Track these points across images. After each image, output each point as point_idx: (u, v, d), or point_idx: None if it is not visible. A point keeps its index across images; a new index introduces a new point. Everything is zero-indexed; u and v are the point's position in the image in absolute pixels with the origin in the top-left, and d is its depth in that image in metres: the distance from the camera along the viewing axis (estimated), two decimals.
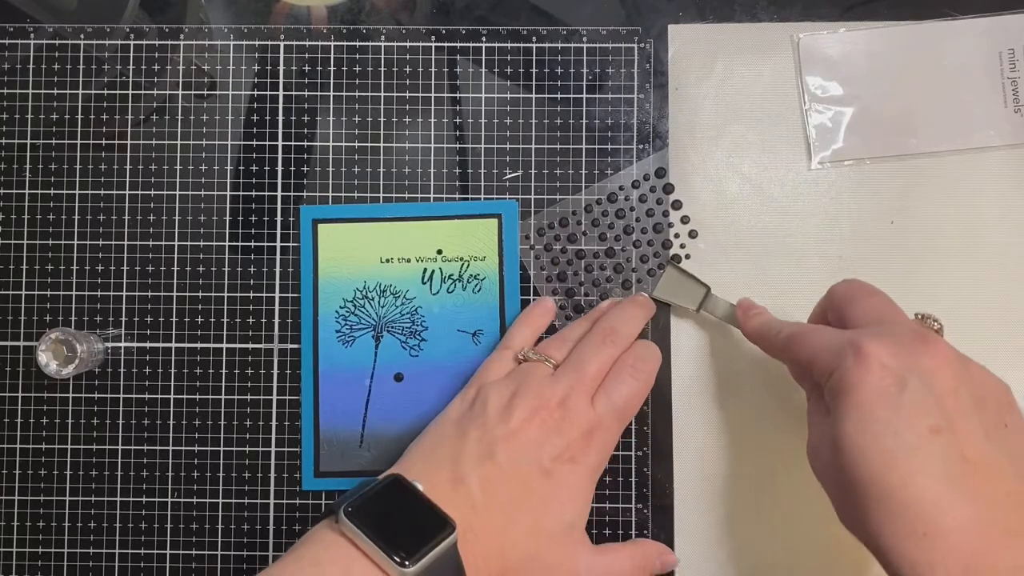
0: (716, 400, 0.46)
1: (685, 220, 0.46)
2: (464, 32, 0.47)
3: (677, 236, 0.46)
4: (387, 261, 0.46)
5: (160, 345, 0.46)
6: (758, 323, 0.41)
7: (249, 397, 0.46)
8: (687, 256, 0.46)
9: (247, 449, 0.46)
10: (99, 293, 0.46)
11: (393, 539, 0.33)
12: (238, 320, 0.46)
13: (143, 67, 0.47)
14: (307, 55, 0.47)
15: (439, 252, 0.46)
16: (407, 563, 0.33)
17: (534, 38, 0.47)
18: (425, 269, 0.46)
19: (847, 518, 0.34)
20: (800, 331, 0.38)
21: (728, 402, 0.46)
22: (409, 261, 0.46)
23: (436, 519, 0.35)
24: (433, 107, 0.47)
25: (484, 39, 0.47)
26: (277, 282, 0.46)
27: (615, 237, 0.46)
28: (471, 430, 0.38)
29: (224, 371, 0.46)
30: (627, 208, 0.46)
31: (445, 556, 0.34)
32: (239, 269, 0.46)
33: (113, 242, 0.46)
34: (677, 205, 0.46)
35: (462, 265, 0.46)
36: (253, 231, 0.46)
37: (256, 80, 0.47)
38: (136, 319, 0.46)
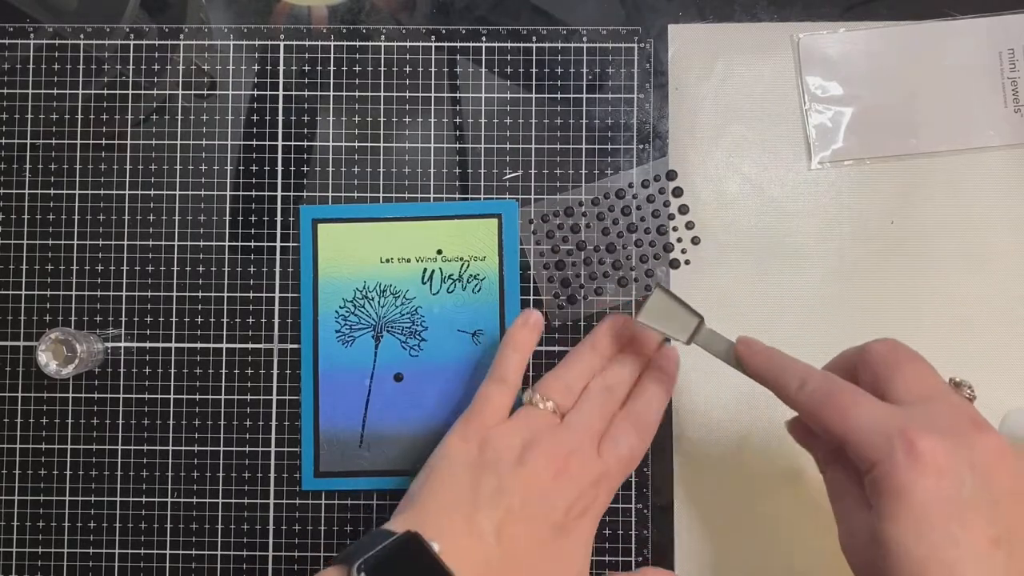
0: (716, 400, 0.46)
1: (690, 226, 0.46)
2: (464, 32, 0.47)
3: (680, 241, 0.46)
4: (387, 261, 0.46)
5: (160, 345, 0.46)
6: (769, 366, 0.37)
7: (249, 397, 0.46)
8: (687, 262, 0.46)
9: (247, 449, 0.46)
10: (99, 293, 0.46)
11: None
12: (238, 320, 0.46)
13: (143, 67, 0.47)
14: (307, 55, 0.47)
15: (439, 252, 0.46)
16: None
17: (534, 38, 0.47)
18: (425, 269, 0.46)
19: None
20: (833, 394, 0.33)
21: (728, 402, 0.45)
22: (409, 261, 0.46)
23: None
24: (433, 107, 0.47)
25: (484, 39, 0.47)
26: (277, 282, 0.46)
27: (617, 233, 0.46)
28: (485, 477, 0.38)
29: (224, 371, 0.46)
30: (633, 206, 0.46)
31: None
32: (239, 269, 0.46)
33: (113, 242, 0.46)
34: (684, 209, 0.46)
35: (462, 265, 0.46)
36: (253, 231, 0.46)
37: (256, 80, 0.47)
38: (136, 319, 0.46)
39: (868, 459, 0.31)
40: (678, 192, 0.46)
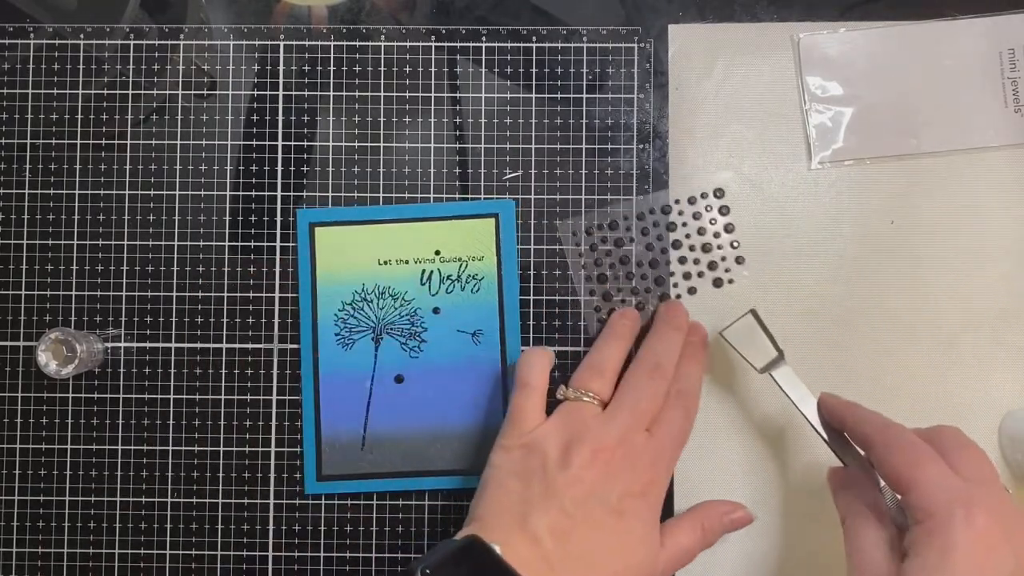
0: (716, 401, 0.46)
1: (735, 245, 0.46)
2: (464, 32, 0.47)
3: (724, 259, 0.46)
4: (385, 263, 0.46)
5: (160, 345, 0.46)
6: (852, 413, 0.39)
7: (249, 397, 0.46)
8: (730, 281, 0.46)
9: (247, 449, 0.46)
10: (99, 293, 0.46)
11: None
12: (238, 320, 0.46)
13: (143, 67, 0.47)
14: (307, 55, 0.47)
15: (437, 253, 0.46)
16: None
17: (534, 38, 0.47)
18: (423, 270, 0.46)
19: None
20: (914, 446, 0.36)
21: (728, 402, 0.45)
22: (407, 262, 0.46)
23: None
24: (433, 107, 0.47)
25: (484, 39, 0.47)
26: (277, 282, 0.46)
27: (661, 249, 0.46)
28: (534, 483, 0.38)
29: (224, 371, 0.46)
30: (679, 223, 0.46)
31: None
32: (239, 269, 0.46)
33: (113, 242, 0.46)
34: (730, 228, 0.46)
35: (460, 265, 0.46)
36: (253, 231, 0.46)
37: (256, 80, 0.47)
38: (136, 319, 0.46)
39: (928, 510, 0.34)
40: (725, 211, 0.46)
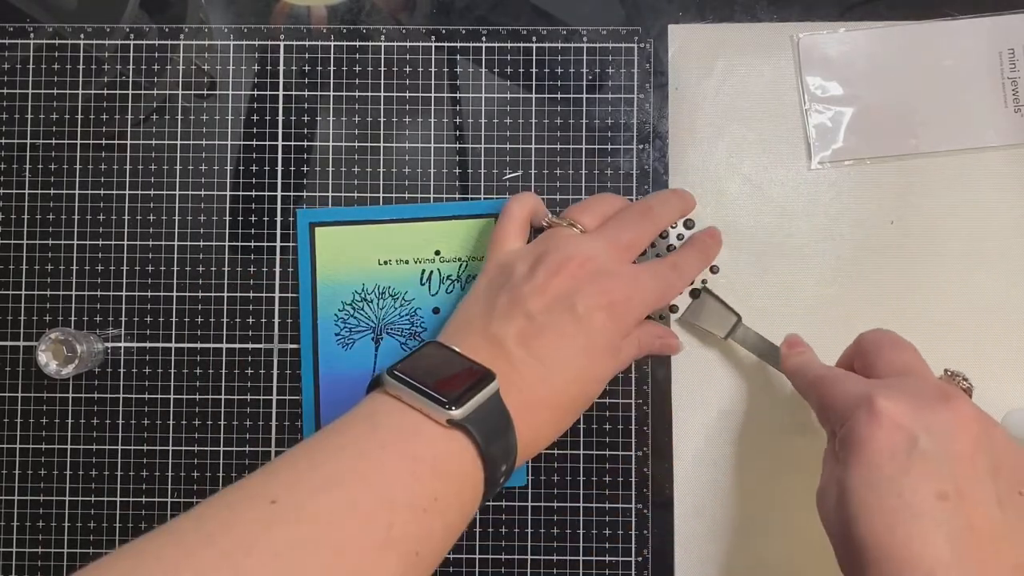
0: (716, 400, 0.46)
1: (688, 225, 0.46)
2: (464, 32, 0.47)
3: (680, 237, 0.46)
4: (385, 263, 0.46)
5: (160, 345, 0.46)
6: (798, 361, 0.40)
7: (249, 397, 0.46)
8: (714, 269, 0.46)
9: (247, 449, 0.46)
10: (99, 293, 0.46)
11: (437, 390, 0.34)
12: (238, 320, 0.46)
13: (143, 67, 0.47)
14: (307, 55, 0.47)
15: (437, 253, 0.46)
16: (452, 407, 0.33)
17: (534, 38, 0.47)
18: (423, 270, 0.46)
19: (846, 569, 0.33)
20: (826, 375, 0.37)
21: (728, 402, 0.45)
22: (407, 262, 0.46)
23: (476, 371, 0.35)
24: (433, 107, 0.47)
25: (484, 39, 0.47)
26: (277, 282, 0.46)
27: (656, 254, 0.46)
28: (500, 295, 0.39)
29: (224, 371, 0.46)
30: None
31: (491, 404, 0.35)
32: (239, 269, 0.46)
33: (113, 242, 0.46)
34: (689, 224, 0.46)
35: (460, 265, 0.46)
36: (253, 231, 0.46)
37: (256, 80, 0.47)
38: (136, 319, 0.46)
39: (839, 419, 0.35)
40: (689, 224, 0.46)
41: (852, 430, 0.33)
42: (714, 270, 0.46)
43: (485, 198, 0.46)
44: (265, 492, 0.30)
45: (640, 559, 0.45)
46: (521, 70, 0.47)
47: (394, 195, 0.46)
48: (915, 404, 0.33)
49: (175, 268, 0.46)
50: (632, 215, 0.42)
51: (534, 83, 0.47)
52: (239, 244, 0.46)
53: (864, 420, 0.33)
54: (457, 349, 0.37)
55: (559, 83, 0.47)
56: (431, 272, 0.46)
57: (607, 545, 0.45)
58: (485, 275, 0.41)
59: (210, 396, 0.46)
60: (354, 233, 0.46)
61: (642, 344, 0.42)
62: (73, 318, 0.46)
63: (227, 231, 0.46)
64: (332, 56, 0.47)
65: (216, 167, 0.47)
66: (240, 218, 0.46)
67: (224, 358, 0.46)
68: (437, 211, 0.46)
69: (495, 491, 0.35)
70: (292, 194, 0.46)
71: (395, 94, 0.47)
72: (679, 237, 0.46)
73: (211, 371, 0.46)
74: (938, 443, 0.32)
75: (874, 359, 0.37)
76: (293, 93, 0.47)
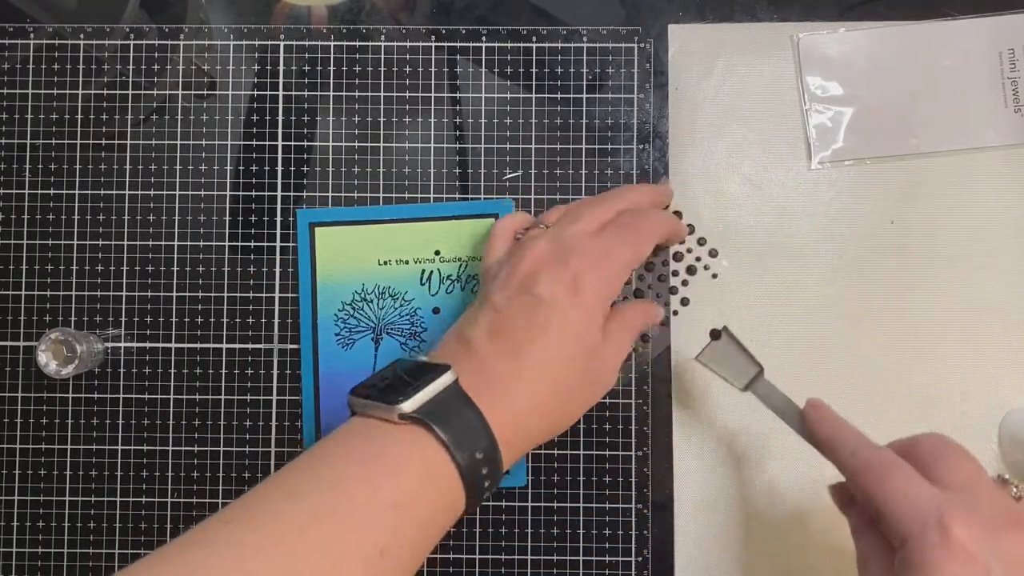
0: (716, 400, 0.46)
1: (702, 242, 0.46)
2: (464, 32, 0.47)
3: (699, 260, 0.46)
4: (385, 263, 0.46)
5: (160, 345, 0.46)
6: (831, 434, 0.37)
7: (249, 397, 0.46)
8: (714, 276, 0.46)
9: (247, 449, 0.46)
10: (99, 293, 0.46)
11: (391, 393, 0.34)
12: (238, 320, 0.46)
13: (143, 67, 0.47)
14: (307, 55, 0.47)
15: (437, 253, 0.46)
16: (400, 400, 0.33)
17: (534, 38, 0.47)
18: (423, 270, 0.46)
19: None
20: (880, 463, 0.34)
21: (728, 402, 0.45)
22: (407, 263, 0.46)
23: (432, 368, 0.35)
24: (433, 107, 0.47)
25: (484, 39, 0.47)
26: (277, 282, 0.46)
27: (638, 276, 0.46)
28: (475, 304, 0.39)
29: (224, 371, 0.46)
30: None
31: (446, 394, 0.34)
32: (239, 269, 0.46)
33: (113, 242, 0.46)
34: (691, 229, 0.46)
35: (460, 265, 0.46)
36: (253, 231, 0.46)
37: (256, 80, 0.47)
38: (136, 319, 0.46)
39: (901, 533, 0.32)
40: (677, 215, 0.46)
41: (920, 553, 0.31)
42: (714, 254, 0.46)
43: (485, 198, 0.46)
44: (226, 516, 0.31)
45: (640, 559, 0.45)
46: (521, 70, 0.47)
47: (394, 195, 0.46)
48: (989, 529, 0.31)
49: (175, 268, 0.46)
50: (594, 201, 0.41)
51: (534, 83, 0.47)
52: (239, 244, 0.46)
53: (936, 544, 0.31)
54: (423, 358, 0.37)
55: (559, 83, 0.47)
56: (431, 272, 0.46)
57: (607, 545, 0.45)
58: (479, 286, 0.41)
59: (210, 396, 0.46)
60: (354, 233, 0.46)
61: (627, 322, 0.40)
62: (73, 318, 0.46)
63: (227, 231, 0.46)
64: (332, 56, 0.47)
65: (216, 167, 0.47)
66: (240, 218, 0.46)
67: (224, 358, 0.46)
68: (437, 211, 0.46)
69: (484, 485, 0.34)
70: (292, 194, 0.46)
71: (395, 94, 0.47)
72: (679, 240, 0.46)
73: (211, 371, 0.46)
74: (1010, 572, 0.31)
75: (934, 465, 0.34)
76: (293, 93, 0.47)
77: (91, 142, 0.47)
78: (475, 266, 0.46)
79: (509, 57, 0.47)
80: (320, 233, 0.46)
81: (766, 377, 0.41)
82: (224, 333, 0.46)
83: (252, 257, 0.46)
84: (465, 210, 0.46)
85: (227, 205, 0.47)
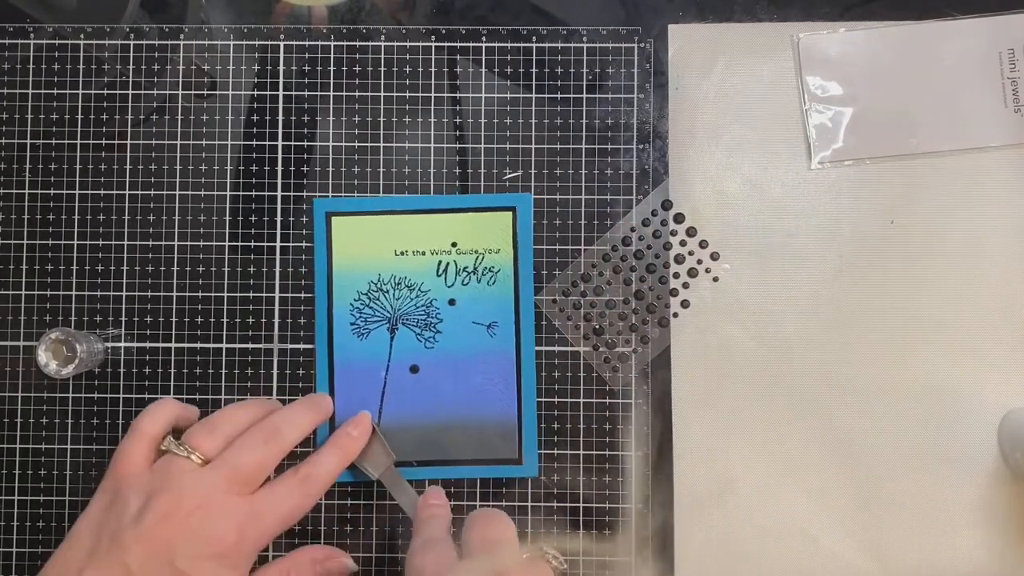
0: (716, 400, 0.46)
1: (704, 245, 0.46)
2: (464, 32, 0.47)
3: (700, 262, 0.46)
4: (401, 254, 0.46)
5: (160, 345, 0.46)
6: (427, 517, 0.41)
7: (249, 397, 0.46)
8: (715, 279, 0.46)
9: None
10: (99, 293, 0.46)
11: None
12: (238, 320, 0.46)
13: (143, 67, 0.47)
14: (307, 55, 0.47)
15: (454, 245, 0.46)
16: None
17: (534, 38, 0.47)
18: (440, 262, 0.46)
19: None
20: (426, 541, 0.38)
21: (728, 402, 0.46)
22: (424, 254, 0.46)
23: None
24: (433, 107, 0.47)
25: (484, 39, 0.47)
26: (277, 282, 0.46)
27: (640, 278, 0.46)
28: (104, 536, 0.37)
29: (224, 371, 0.46)
30: (644, 247, 0.46)
31: None
32: (239, 269, 0.46)
33: (113, 242, 0.46)
34: (692, 232, 0.46)
35: (477, 258, 0.46)
36: (253, 231, 0.46)
37: (256, 80, 0.47)
38: (136, 319, 0.46)
39: None
40: (680, 218, 0.46)
41: None
42: (715, 257, 0.46)
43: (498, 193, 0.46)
44: None
45: (640, 558, 0.45)
46: (521, 70, 0.47)
47: (394, 195, 0.46)
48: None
49: (175, 268, 0.46)
50: (256, 439, 0.40)
51: (534, 83, 0.47)
52: (239, 244, 0.46)
53: None
54: None
55: (559, 83, 0.47)
56: (447, 264, 0.46)
57: (607, 544, 0.45)
58: (102, 493, 0.39)
59: (210, 396, 0.46)
60: (371, 223, 0.46)
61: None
62: (73, 318, 0.46)
63: (227, 231, 0.46)
64: (332, 56, 0.47)
65: (216, 167, 0.47)
66: (240, 218, 0.46)
67: (224, 358, 0.46)
68: (454, 203, 0.46)
69: None
70: (292, 194, 0.46)
71: (395, 94, 0.47)
72: (682, 243, 0.46)
73: (211, 371, 0.46)
74: None
75: (467, 536, 0.37)
76: (293, 93, 0.47)
77: (91, 142, 0.47)
78: (491, 258, 0.46)
79: (509, 57, 0.47)
80: (336, 222, 0.46)
81: (395, 469, 0.44)
82: (224, 333, 0.46)
83: (252, 257, 0.46)
84: (482, 203, 0.46)
85: (227, 205, 0.47)
